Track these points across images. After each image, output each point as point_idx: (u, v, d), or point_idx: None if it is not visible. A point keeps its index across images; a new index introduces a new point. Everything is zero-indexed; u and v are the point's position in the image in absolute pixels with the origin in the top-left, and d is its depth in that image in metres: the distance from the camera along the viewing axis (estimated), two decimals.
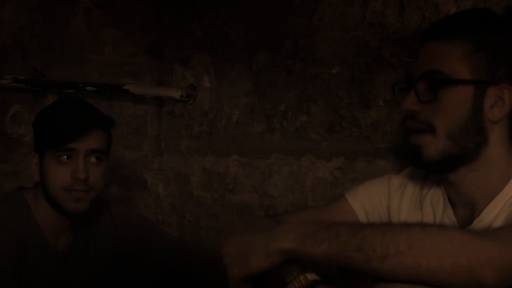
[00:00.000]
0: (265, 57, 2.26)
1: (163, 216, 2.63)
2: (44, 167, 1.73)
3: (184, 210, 2.57)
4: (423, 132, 1.31)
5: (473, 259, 1.09)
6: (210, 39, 2.45)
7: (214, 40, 2.44)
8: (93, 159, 1.74)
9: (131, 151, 2.59)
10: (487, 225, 1.30)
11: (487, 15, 1.32)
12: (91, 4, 2.46)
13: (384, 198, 1.55)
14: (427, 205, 1.43)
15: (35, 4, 2.33)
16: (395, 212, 1.52)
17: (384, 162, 1.94)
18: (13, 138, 2.28)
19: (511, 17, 1.31)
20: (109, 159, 1.82)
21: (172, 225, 2.61)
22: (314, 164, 2.12)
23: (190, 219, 2.55)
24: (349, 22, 2.01)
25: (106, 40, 2.51)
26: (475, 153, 1.30)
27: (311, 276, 1.24)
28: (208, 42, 2.46)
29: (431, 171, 1.44)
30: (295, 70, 2.17)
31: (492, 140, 1.30)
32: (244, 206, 2.34)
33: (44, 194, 1.74)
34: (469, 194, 1.34)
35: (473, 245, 1.10)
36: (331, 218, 1.53)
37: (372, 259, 1.13)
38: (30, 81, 2.28)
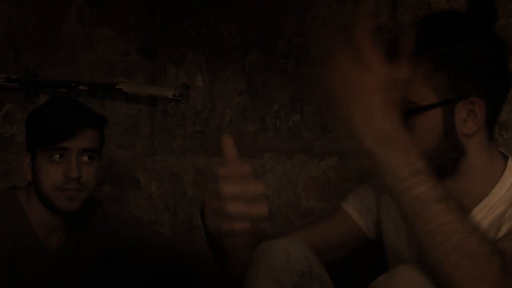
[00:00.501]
0: (258, 56, 2.26)
1: (156, 215, 2.63)
2: (36, 166, 1.72)
3: (177, 210, 2.57)
4: None
5: None
6: (203, 39, 2.46)
7: (207, 39, 2.44)
8: (85, 158, 1.73)
9: (124, 151, 2.58)
10: None
11: (444, 25, 1.27)
12: (83, 3, 2.46)
13: (374, 200, 1.57)
14: None
15: (27, 3, 2.32)
16: (383, 211, 1.54)
17: None
18: (6, 138, 2.27)
19: (471, 19, 1.28)
20: (101, 158, 1.82)
21: (165, 225, 2.61)
22: (307, 163, 2.12)
23: (183, 218, 2.55)
24: (341, 22, 2.01)
25: (99, 39, 2.50)
26: (454, 168, 1.29)
27: None
28: (201, 42, 2.46)
29: None
30: (288, 70, 2.17)
31: (470, 151, 1.28)
32: None
33: (37, 193, 1.74)
34: (455, 200, 1.34)
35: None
36: (333, 233, 1.55)
37: (429, 239, 1.08)
38: (23, 81, 2.27)
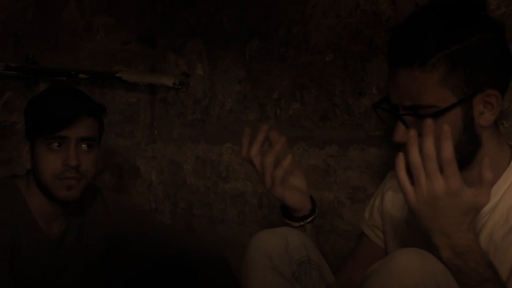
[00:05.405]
0: (258, 44, 2.26)
1: (156, 204, 2.64)
2: (35, 154, 1.72)
3: (177, 198, 2.57)
4: None
5: None
6: (203, 27, 2.45)
7: (207, 27, 2.44)
8: (84, 147, 1.73)
9: (124, 139, 2.58)
10: (482, 217, 1.31)
11: (449, 21, 1.25)
12: None
13: (379, 202, 1.60)
14: None
15: None
16: (388, 208, 1.56)
17: (377, 150, 1.94)
18: (5, 126, 2.26)
19: (468, 9, 1.26)
20: (101, 146, 1.82)
21: (165, 213, 2.61)
22: (307, 152, 2.12)
23: (183, 207, 2.55)
24: (342, 10, 2.00)
25: (98, 28, 2.49)
26: (471, 159, 1.30)
27: None
28: (201, 30, 2.46)
29: None
30: (288, 58, 2.17)
31: (485, 141, 1.30)
32: (237, 194, 2.35)
33: (36, 182, 1.74)
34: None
35: None
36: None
37: None
38: (22, 69, 2.27)
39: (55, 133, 1.69)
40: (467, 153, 1.29)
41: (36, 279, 1.79)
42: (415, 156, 1.18)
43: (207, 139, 2.46)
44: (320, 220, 2.06)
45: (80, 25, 2.45)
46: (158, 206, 2.63)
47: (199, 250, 1.96)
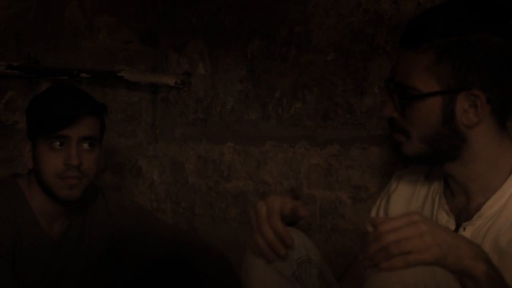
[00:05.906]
0: (260, 44, 2.26)
1: (158, 203, 2.64)
2: (37, 154, 1.72)
3: (179, 197, 2.57)
4: (401, 132, 1.35)
5: None
6: (205, 26, 2.45)
7: (209, 27, 2.44)
8: (86, 146, 1.73)
9: (125, 138, 2.58)
10: (487, 220, 1.30)
11: (458, 13, 1.27)
12: None
13: (385, 203, 1.58)
14: (429, 197, 1.44)
15: None
16: (394, 209, 1.54)
17: (379, 149, 1.94)
18: (7, 125, 2.27)
19: (489, 8, 1.26)
20: (103, 146, 1.82)
21: (167, 212, 2.61)
22: (309, 151, 2.12)
23: (185, 206, 2.55)
24: (344, 9, 2.00)
25: (100, 27, 2.49)
26: (455, 153, 1.31)
27: None
28: (203, 29, 2.46)
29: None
30: (290, 57, 2.17)
31: (474, 140, 1.29)
32: (239, 193, 2.35)
33: (38, 181, 1.74)
34: (463, 185, 1.35)
35: None
36: None
37: None
38: (24, 68, 2.27)
39: (57, 132, 1.69)
40: (448, 147, 1.30)
41: (37, 279, 1.79)
42: (386, 239, 1.14)
43: (208, 138, 2.46)
44: (321, 219, 2.07)
45: (82, 25, 2.45)
46: (160, 205, 2.64)
47: (200, 249, 1.96)
